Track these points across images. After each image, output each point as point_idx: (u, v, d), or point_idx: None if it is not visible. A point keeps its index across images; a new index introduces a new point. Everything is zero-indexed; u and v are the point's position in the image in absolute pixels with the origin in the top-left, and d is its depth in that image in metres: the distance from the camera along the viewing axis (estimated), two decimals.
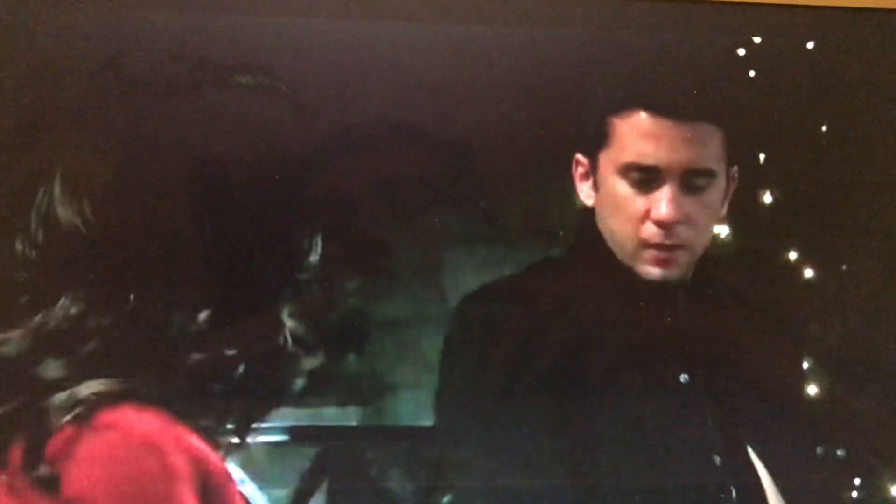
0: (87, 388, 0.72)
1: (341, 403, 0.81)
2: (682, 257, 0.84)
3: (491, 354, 0.83)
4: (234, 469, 0.75)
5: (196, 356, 0.75)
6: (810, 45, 0.87)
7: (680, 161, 0.83)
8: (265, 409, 0.78)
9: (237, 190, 0.79)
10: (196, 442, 0.73)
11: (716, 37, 0.86)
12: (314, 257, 0.79)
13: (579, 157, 0.85)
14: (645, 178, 0.83)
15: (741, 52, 0.86)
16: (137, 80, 0.78)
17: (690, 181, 0.83)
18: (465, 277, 0.83)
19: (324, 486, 0.80)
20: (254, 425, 0.77)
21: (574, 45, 0.85)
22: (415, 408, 0.81)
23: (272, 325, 0.77)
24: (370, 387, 0.81)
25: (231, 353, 0.76)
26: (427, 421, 0.82)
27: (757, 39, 0.86)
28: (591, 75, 0.84)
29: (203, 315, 0.76)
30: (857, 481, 0.85)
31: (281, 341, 0.77)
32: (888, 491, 0.85)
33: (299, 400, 0.79)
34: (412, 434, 0.82)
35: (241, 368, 0.76)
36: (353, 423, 0.81)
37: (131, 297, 0.74)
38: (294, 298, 0.78)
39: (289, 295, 0.78)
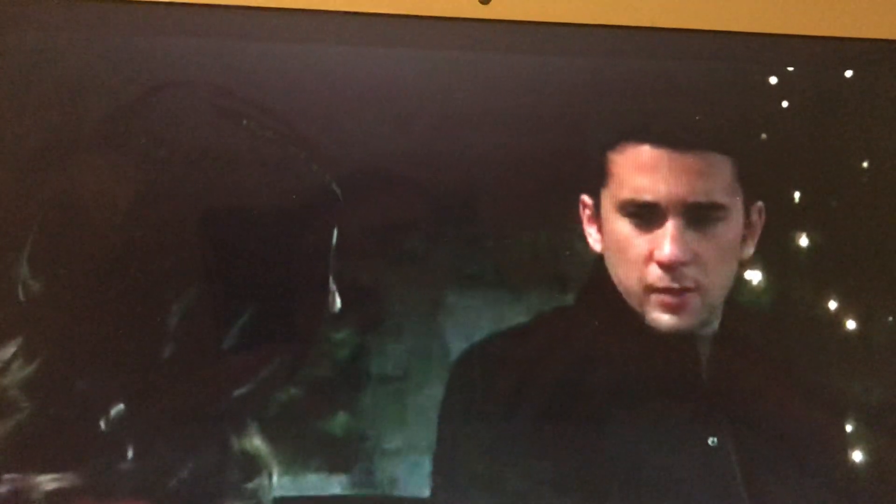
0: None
1: (325, 469, 0.75)
2: (695, 302, 0.78)
3: (496, 412, 0.77)
4: None
5: None
6: (849, 73, 0.83)
7: (682, 194, 0.77)
8: None
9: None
10: None
11: (739, 66, 0.82)
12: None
13: (585, 198, 0.80)
14: (645, 215, 0.78)
15: (773, 80, 0.82)
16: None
17: (696, 217, 0.78)
18: (469, 325, 0.78)
19: None
20: None
21: (582, 74, 0.81)
22: (409, 473, 0.76)
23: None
24: (358, 449, 0.76)
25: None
26: (423, 489, 0.76)
27: (790, 69, 0.81)
28: (595, 107, 0.80)
29: None
30: None
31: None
32: None
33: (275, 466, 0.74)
34: None
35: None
36: (339, 492, 0.76)
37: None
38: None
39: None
